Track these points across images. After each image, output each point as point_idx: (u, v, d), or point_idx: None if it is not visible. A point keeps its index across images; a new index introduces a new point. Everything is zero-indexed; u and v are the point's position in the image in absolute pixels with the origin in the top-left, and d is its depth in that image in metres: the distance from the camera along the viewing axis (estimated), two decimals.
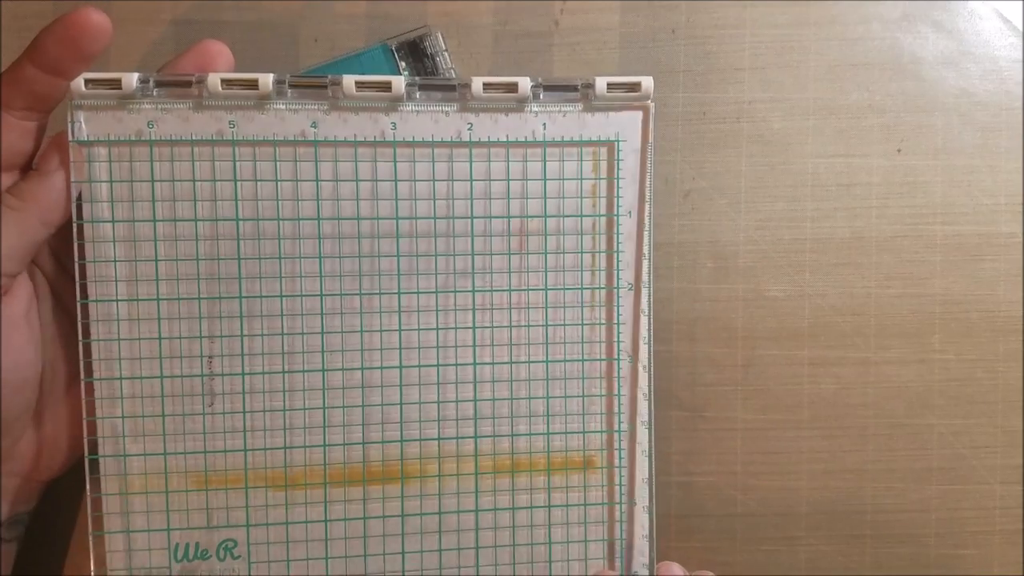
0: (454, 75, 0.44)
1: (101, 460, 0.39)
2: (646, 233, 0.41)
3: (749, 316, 0.47)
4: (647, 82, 0.40)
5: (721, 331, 0.47)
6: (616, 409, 0.41)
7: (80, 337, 0.38)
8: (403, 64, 0.43)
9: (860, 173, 0.46)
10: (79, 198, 0.37)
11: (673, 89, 0.46)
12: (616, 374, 0.41)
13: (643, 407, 0.41)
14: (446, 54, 0.44)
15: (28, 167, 0.37)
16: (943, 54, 0.47)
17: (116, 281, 0.38)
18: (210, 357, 0.39)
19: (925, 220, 0.47)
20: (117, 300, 0.38)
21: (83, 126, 0.37)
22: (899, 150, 0.46)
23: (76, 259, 0.38)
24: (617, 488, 0.42)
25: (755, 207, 0.46)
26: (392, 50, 0.43)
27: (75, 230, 0.37)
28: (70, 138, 0.37)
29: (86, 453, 0.39)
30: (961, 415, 0.47)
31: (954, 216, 0.47)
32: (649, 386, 0.41)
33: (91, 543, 0.39)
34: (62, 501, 0.45)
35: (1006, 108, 0.47)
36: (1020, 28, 0.47)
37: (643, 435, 0.42)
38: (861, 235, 0.47)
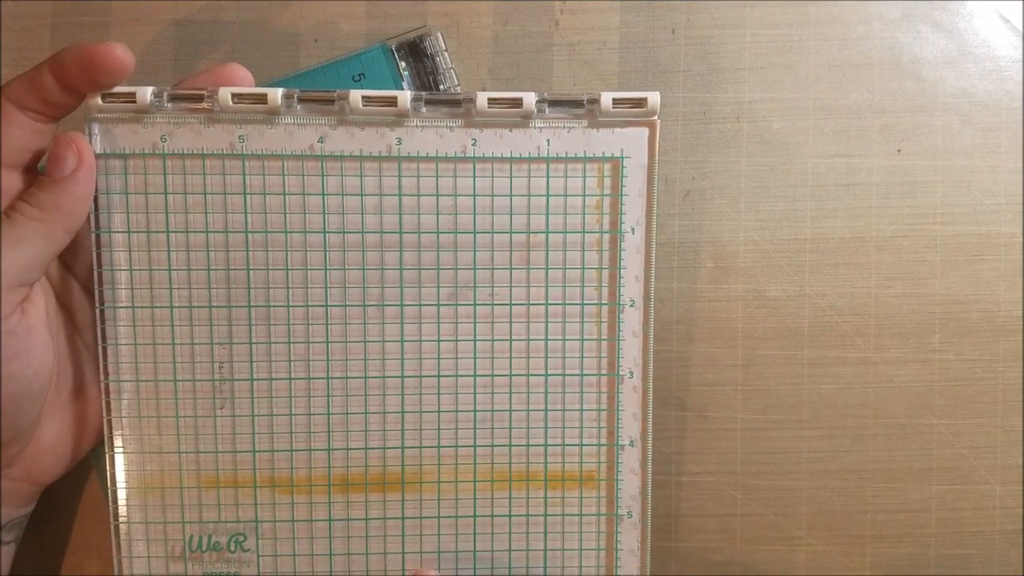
0: (454, 75, 0.48)
1: (120, 456, 0.45)
2: (652, 248, 0.45)
3: (749, 316, 0.51)
4: (654, 98, 0.43)
5: (721, 331, 0.51)
6: (616, 424, 0.46)
7: (100, 341, 0.44)
8: (403, 64, 0.47)
9: (860, 173, 0.50)
10: (95, 208, 0.43)
11: (673, 89, 0.50)
12: (616, 389, 0.46)
13: (643, 422, 0.46)
14: (446, 54, 0.48)
15: (34, 165, 0.42)
16: (943, 54, 0.51)
17: (132, 288, 0.44)
18: (220, 363, 0.44)
19: (925, 220, 0.51)
20: (133, 307, 0.44)
21: (99, 139, 0.42)
22: (899, 150, 0.50)
23: (95, 267, 0.43)
24: (615, 501, 0.46)
25: (755, 207, 0.50)
26: (392, 50, 0.47)
27: (94, 240, 0.43)
28: None
29: (107, 449, 0.44)
30: (961, 415, 0.51)
31: (954, 216, 0.51)
32: (647, 401, 0.46)
33: (113, 531, 0.45)
34: (59, 502, 0.49)
35: (1006, 108, 0.51)
36: (1020, 28, 0.51)
37: (642, 449, 0.46)
38: (861, 235, 0.51)
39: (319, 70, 0.48)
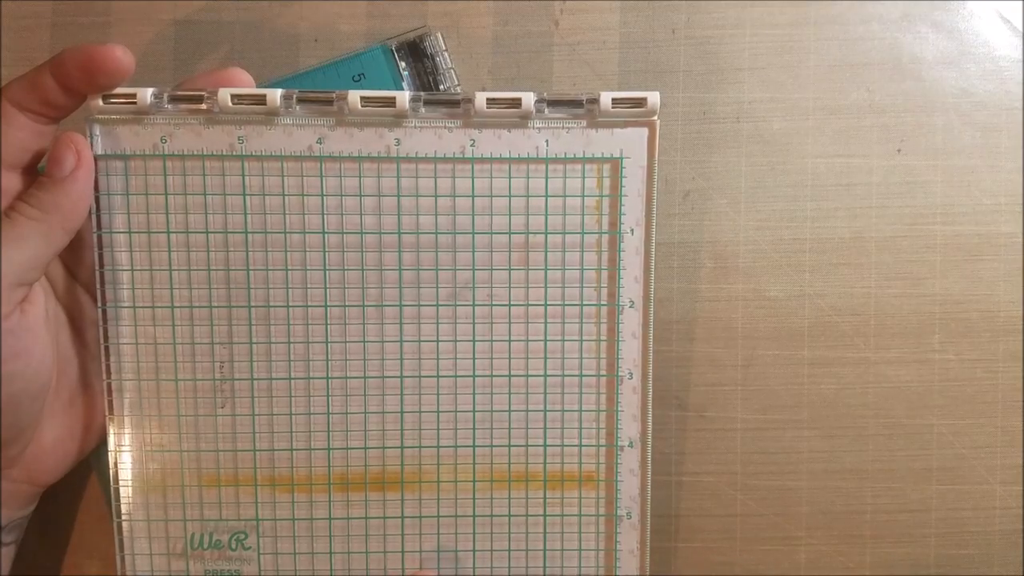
0: (454, 75, 0.48)
1: (122, 454, 0.45)
2: (651, 249, 0.45)
3: (749, 316, 0.51)
4: (653, 97, 0.43)
5: (721, 331, 0.51)
6: (615, 425, 0.46)
7: (102, 341, 0.44)
8: (403, 64, 0.47)
9: (860, 173, 0.51)
10: (96, 209, 0.43)
11: (673, 89, 0.51)
12: (616, 390, 0.46)
13: (642, 423, 0.46)
14: (446, 54, 0.48)
15: (34, 166, 0.42)
16: (943, 54, 0.51)
17: (133, 288, 0.44)
18: (221, 362, 0.45)
19: (925, 220, 0.51)
20: (135, 306, 0.44)
21: (100, 140, 0.43)
22: (899, 150, 0.51)
23: (97, 268, 0.43)
24: (614, 502, 0.46)
25: (755, 207, 0.51)
26: (392, 50, 0.48)
27: (96, 240, 0.43)
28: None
29: (110, 447, 0.45)
30: (961, 415, 0.51)
31: (954, 216, 0.51)
32: (647, 403, 0.46)
33: (115, 529, 0.45)
34: (59, 502, 0.50)
35: (1006, 108, 0.51)
36: (1020, 28, 0.51)
37: (641, 450, 0.46)
38: (861, 235, 0.51)
39: (319, 70, 0.48)
